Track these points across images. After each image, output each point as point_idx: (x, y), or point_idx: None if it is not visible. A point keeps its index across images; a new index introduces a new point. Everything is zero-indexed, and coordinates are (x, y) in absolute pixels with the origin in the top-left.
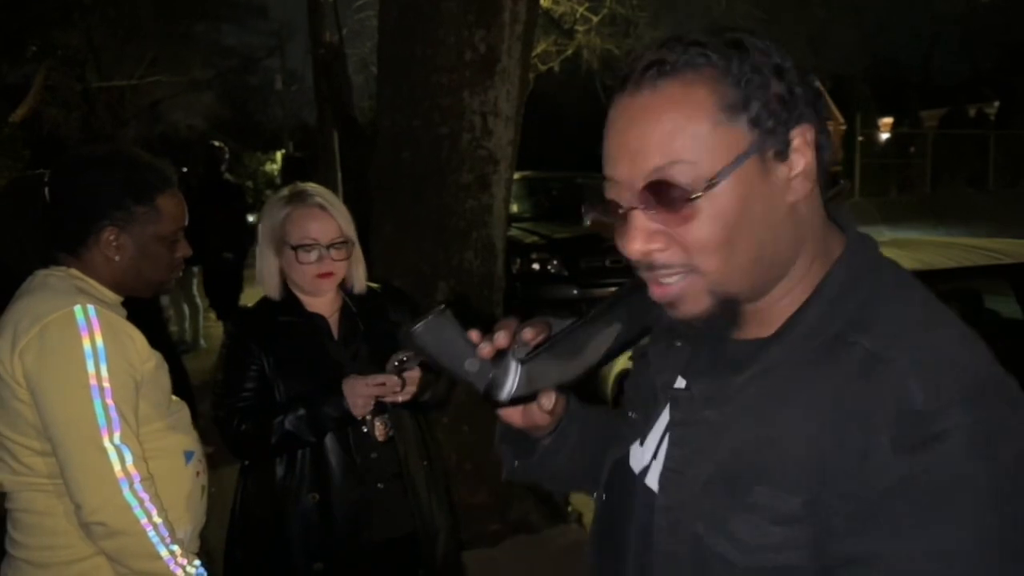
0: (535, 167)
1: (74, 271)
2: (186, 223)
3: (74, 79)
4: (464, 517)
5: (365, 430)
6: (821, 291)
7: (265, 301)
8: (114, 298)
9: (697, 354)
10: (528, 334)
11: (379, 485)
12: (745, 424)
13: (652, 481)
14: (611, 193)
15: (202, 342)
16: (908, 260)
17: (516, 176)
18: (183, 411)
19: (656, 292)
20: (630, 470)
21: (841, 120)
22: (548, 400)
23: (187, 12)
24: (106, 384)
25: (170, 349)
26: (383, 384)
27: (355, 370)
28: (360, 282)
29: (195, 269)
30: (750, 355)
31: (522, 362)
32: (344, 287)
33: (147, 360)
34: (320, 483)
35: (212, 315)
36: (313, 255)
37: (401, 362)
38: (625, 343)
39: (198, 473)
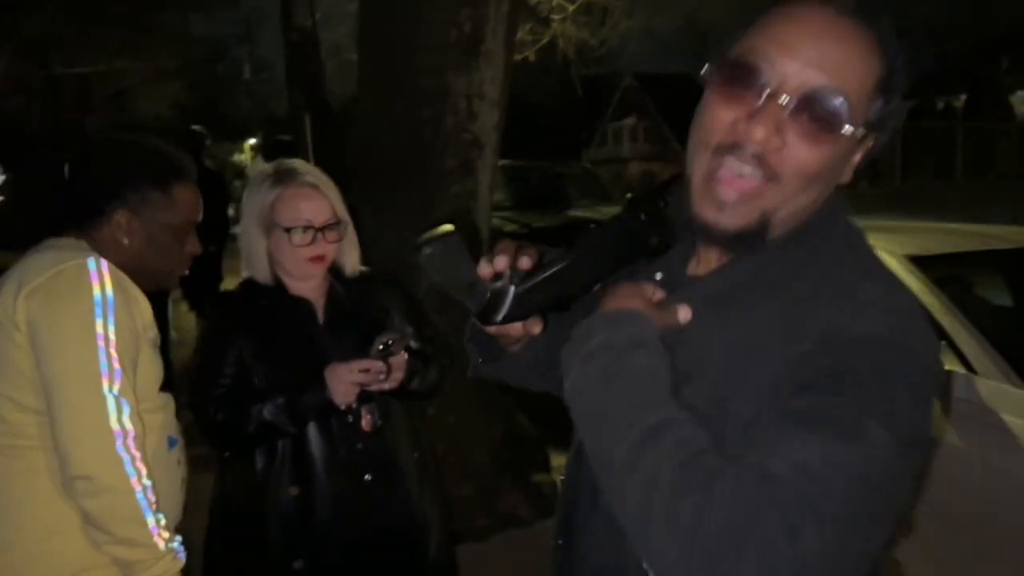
0: (509, 156)
1: (83, 243)
2: (200, 218)
3: (36, 66)
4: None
5: (350, 420)
6: (799, 231)
7: (247, 285)
8: None
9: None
10: (525, 262)
11: (366, 477)
12: (693, 339)
13: None
14: (766, 71)
15: (173, 333)
16: (903, 245)
17: None
18: (169, 401)
19: (718, 185)
20: None
21: None
22: (535, 326)
23: None
24: (112, 336)
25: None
26: (367, 371)
27: (340, 357)
28: (353, 264)
29: None
30: (719, 280)
31: (517, 288)
32: (333, 270)
33: (149, 328)
34: (301, 476)
35: (184, 306)
36: (307, 237)
37: (386, 346)
38: (601, 277)
39: (179, 462)
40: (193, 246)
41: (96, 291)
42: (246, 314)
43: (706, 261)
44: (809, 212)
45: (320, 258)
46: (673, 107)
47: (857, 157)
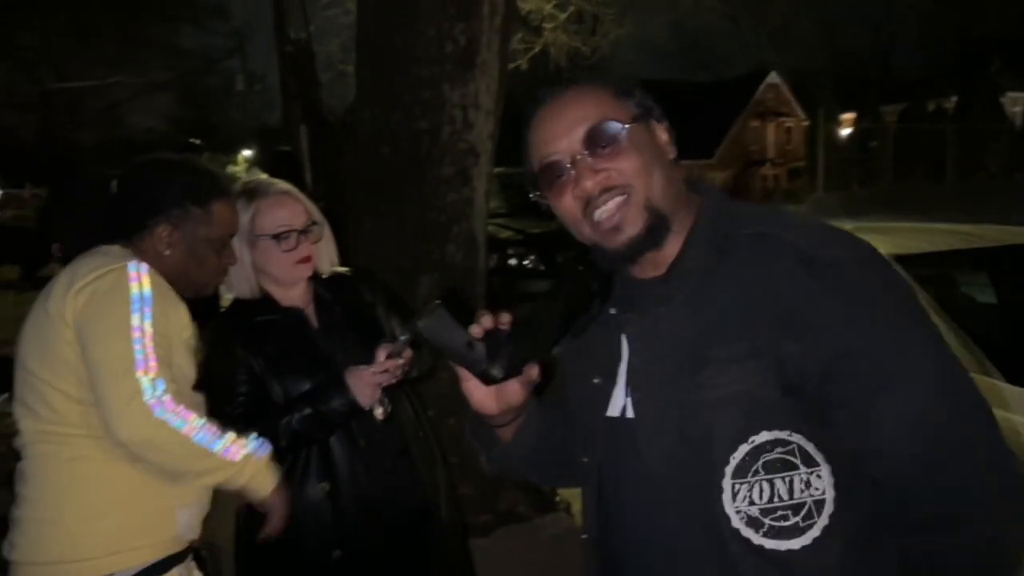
0: (504, 164)
1: (128, 251)
2: (236, 231)
3: (29, 81)
4: None
5: (366, 412)
6: (700, 220)
7: (237, 304)
8: None
9: (624, 306)
10: (504, 318)
11: (387, 463)
12: (683, 320)
13: (631, 409)
14: (554, 160)
15: None
16: (888, 245)
17: None
18: (201, 400)
19: (604, 223)
20: (608, 419)
21: (803, 116)
22: (533, 372)
23: (144, 13)
24: (148, 329)
25: None
26: (386, 371)
27: (346, 358)
28: (331, 262)
29: None
30: (670, 277)
31: (507, 343)
32: (313, 276)
33: (185, 329)
34: (329, 472)
35: None
36: (291, 241)
37: (402, 343)
38: (568, 324)
39: None
40: (229, 258)
41: (134, 290)
42: (246, 332)
43: (648, 266)
44: (678, 191)
45: (307, 259)
46: (663, 113)
47: (663, 137)
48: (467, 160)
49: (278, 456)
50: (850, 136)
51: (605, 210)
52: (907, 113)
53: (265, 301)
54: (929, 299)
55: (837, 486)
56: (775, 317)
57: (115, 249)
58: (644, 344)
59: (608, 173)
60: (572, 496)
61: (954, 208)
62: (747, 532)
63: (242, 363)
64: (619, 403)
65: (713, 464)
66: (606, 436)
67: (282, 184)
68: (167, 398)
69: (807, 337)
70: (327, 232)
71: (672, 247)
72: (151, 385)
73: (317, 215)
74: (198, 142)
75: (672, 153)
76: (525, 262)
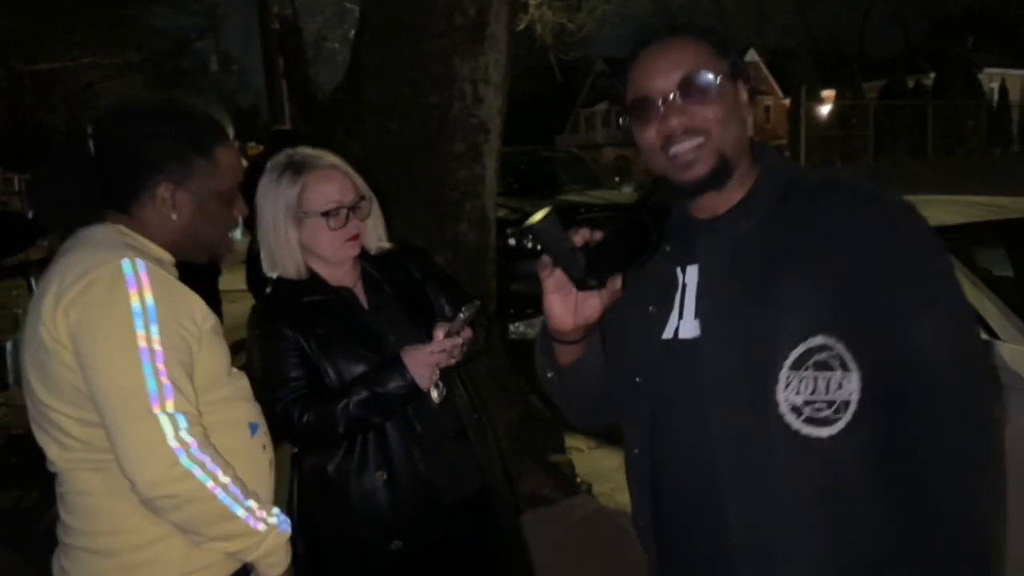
0: None
1: (123, 228)
2: (242, 178)
3: None
4: None
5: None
6: (765, 169)
7: (282, 284)
8: (168, 258)
9: (687, 244)
10: (599, 235)
11: (444, 447)
12: (752, 249)
13: (687, 330)
14: (648, 96)
15: None
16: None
17: None
18: (243, 380)
19: (679, 159)
20: (661, 342)
21: (780, 94)
22: (616, 283)
23: None
24: (157, 347)
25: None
26: (444, 351)
27: (398, 338)
28: (379, 238)
29: None
30: (727, 217)
31: (601, 255)
32: (361, 251)
33: (205, 320)
34: (386, 460)
35: None
36: (341, 218)
37: (461, 322)
38: (647, 245)
39: (264, 447)
40: (240, 208)
41: (134, 300)
42: (294, 314)
43: (707, 205)
44: (745, 145)
45: (355, 237)
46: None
47: (744, 96)
48: (478, 136)
49: (336, 441)
50: (831, 113)
51: (682, 147)
52: (887, 90)
53: (312, 281)
54: (965, 269)
55: (862, 391)
56: (839, 245)
57: (102, 232)
58: (713, 270)
59: (693, 117)
60: (591, 477)
61: (935, 183)
62: (789, 418)
63: (294, 346)
64: (673, 326)
65: (775, 358)
66: (662, 356)
67: (330, 157)
68: (192, 439)
69: (865, 263)
70: (375, 208)
71: (735, 193)
72: (171, 423)
73: (365, 190)
74: None
75: (749, 114)
76: (524, 242)
